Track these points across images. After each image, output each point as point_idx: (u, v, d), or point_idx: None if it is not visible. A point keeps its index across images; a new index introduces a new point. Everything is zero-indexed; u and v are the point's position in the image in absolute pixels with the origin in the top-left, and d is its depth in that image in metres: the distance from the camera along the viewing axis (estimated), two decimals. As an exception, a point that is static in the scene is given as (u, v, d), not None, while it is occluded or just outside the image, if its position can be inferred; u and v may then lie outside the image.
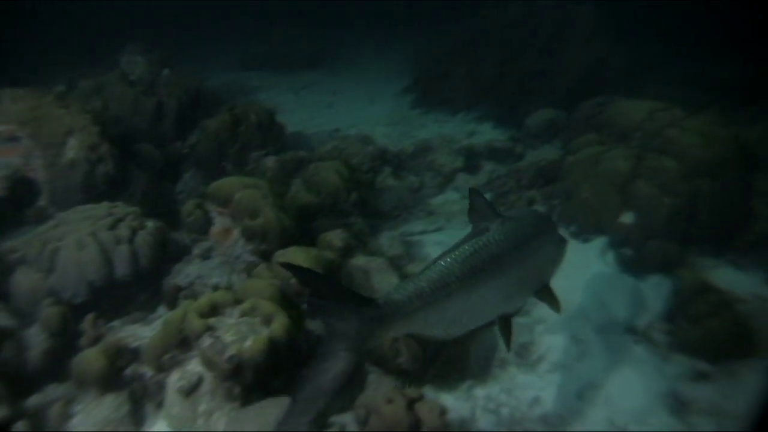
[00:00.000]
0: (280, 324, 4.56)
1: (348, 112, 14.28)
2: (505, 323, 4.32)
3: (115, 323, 5.90)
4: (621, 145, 8.47)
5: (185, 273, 6.20)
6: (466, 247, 3.74)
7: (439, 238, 8.24)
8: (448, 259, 3.64)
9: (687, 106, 12.55)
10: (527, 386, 5.79)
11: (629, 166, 7.71)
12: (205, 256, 6.36)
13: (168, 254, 6.38)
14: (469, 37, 14.06)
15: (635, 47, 16.47)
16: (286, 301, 5.11)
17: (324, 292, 3.17)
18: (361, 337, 3.16)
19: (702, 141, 7.51)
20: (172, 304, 5.99)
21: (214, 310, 4.79)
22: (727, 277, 7.21)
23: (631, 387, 5.76)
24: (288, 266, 3.22)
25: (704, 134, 7.59)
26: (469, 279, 3.67)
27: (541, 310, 6.51)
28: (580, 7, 13.26)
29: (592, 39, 13.01)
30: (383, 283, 5.70)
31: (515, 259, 4.07)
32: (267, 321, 4.65)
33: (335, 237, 6.21)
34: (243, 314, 4.76)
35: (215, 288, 5.93)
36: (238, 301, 4.91)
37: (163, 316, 5.92)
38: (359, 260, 6.00)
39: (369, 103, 15.07)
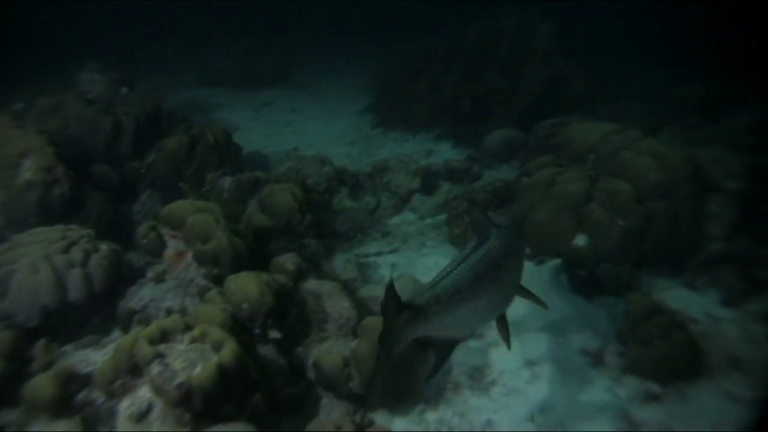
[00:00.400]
0: (229, 350, 4.59)
1: (308, 131, 14.30)
2: (503, 323, 4.77)
3: (69, 347, 5.85)
4: (576, 167, 8.58)
5: (139, 296, 6.20)
6: (473, 256, 4.20)
7: (395, 260, 8.29)
8: (459, 268, 4.06)
9: (647, 122, 12.83)
10: (480, 409, 5.84)
11: (583, 189, 7.82)
12: (159, 279, 6.36)
13: (122, 277, 6.37)
14: (430, 56, 14.16)
15: (597, 65, 16.73)
16: (237, 326, 5.15)
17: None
18: (388, 339, 3.51)
19: (655, 163, 7.67)
20: (126, 328, 5.98)
21: (164, 337, 4.80)
22: (681, 298, 7.38)
23: (584, 409, 5.84)
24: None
25: (657, 156, 7.75)
26: (477, 285, 4.13)
27: (495, 333, 6.59)
28: (540, 26, 13.40)
29: (552, 57, 13.14)
30: (335, 307, 5.75)
31: (510, 264, 4.61)
32: (217, 347, 4.68)
33: (288, 260, 6.24)
34: (193, 340, 4.78)
35: (169, 311, 5.94)
36: (188, 327, 4.93)
37: (116, 339, 5.89)
38: (311, 284, 6.05)
39: (329, 121, 15.10)
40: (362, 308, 6.15)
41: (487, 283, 4.30)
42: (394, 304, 3.49)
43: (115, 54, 15.42)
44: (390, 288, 3.39)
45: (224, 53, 19.33)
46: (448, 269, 4.09)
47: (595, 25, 20.33)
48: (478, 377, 6.14)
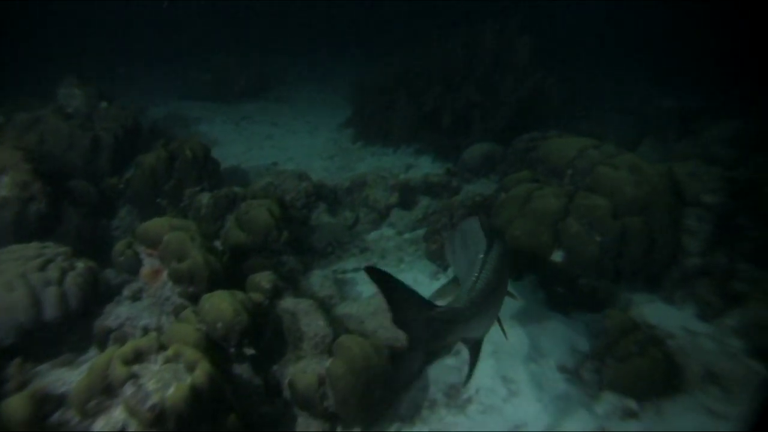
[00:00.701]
0: (202, 371, 4.60)
1: (288, 144, 14.29)
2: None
3: (44, 366, 5.82)
4: (553, 182, 8.65)
5: (116, 314, 6.19)
6: (490, 261, 4.66)
7: (373, 276, 8.22)
8: (484, 274, 4.50)
9: (628, 133, 12.96)
10: (456, 427, 5.85)
11: (560, 204, 7.84)
12: (136, 297, 6.36)
13: (99, 295, 6.36)
14: (410, 68, 14.20)
15: (577, 76, 16.86)
16: (211, 346, 5.17)
17: (399, 298, 3.73)
18: (430, 338, 3.87)
19: (632, 178, 7.72)
20: (103, 346, 5.98)
21: (138, 357, 4.81)
22: (659, 312, 7.46)
23: (561, 427, 5.85)
24: (369, 270, 3.68)
25: (634, 171, 7.80)
26: (498, 288, 4.67)
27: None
28: (520, 38, 13.48)
29: (532, 70, 13.21)
30: (310, 325, 5.76)
31: (507, 268, 5.02)
32: (191, 368, 4.69)
33: (263, 279, 6.25)
34: (167, 361, 4.79)
35: (145, 330, 5.95)
36: (162, 347, 4.93)
37: (93, 358, 5.87)
38: (287, 302, 6.06)
39: (309, 135, 15.09)
40: (338, 326, 6.15)
41: (502, 286, 4.83)
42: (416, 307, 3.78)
43: (94, 67, 15.44)
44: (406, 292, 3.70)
45: (205, 66, 19.24)
46: (475, 273, 4.50)
47: (576, 36, 20.51)
48: (454, 395, 6.14)
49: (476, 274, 4.53)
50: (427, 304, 3.85)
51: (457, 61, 13.48)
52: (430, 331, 3.85)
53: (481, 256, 4.76)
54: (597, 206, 7.63)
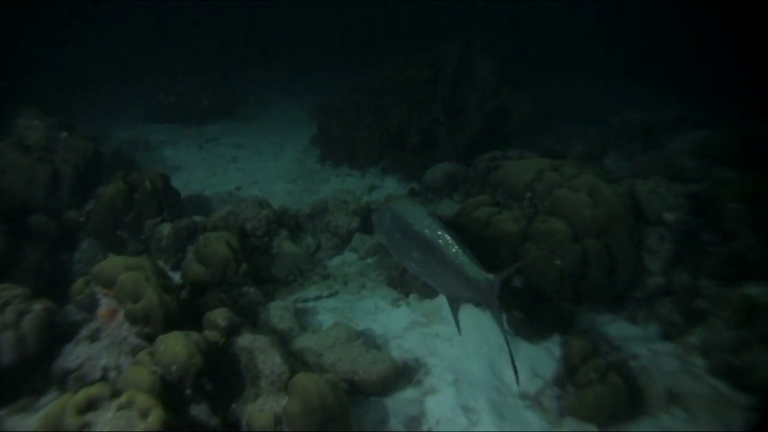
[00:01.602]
0: (155, 418, 4.60)
1: (252, 167, 14.27)
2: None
3: (2, 413, 5.82)
4: (514, 206, 8.69)
5: (75, 355, 6.16)
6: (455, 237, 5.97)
7: (334, 304, 8.27)
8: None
9: (592, 146, 13.06)
10: (418, 460, 5.87)
11: (519, 229, 7.92)
12: (94, 337, 6.32)
13: (57, 336, 6.34)
14: (375, 88, 14.27)
15: (543, 90, 17.02)
16: (166, 389, 5.17)
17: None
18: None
19: (590, 200, 7.78)
20: (63, 387, 5.96)
21: (91, 405, 4.81)
22: (623, 332, 7.54)
23: (521, 454, 5.89)
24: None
25: (593, 193, 7.85)
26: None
27: (433, 379, 6.69)
28: (483, 55, 13.57)
29: (496, 86, 13.28)
30: (267, 363, 5.76)
31: None
32: (144, 414, 4.69)
33: (219, 316, 6.21)
34: (120, 408, 4.79)
35: (104, 370, 5.95)
36: (116, 394, 4.94)
37: (52, 401, 5.85)
38: (245, 339, 6.03)
39: (274, 156, 15.10)
40: (296, 361, 6.15)
41: None
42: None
43: (56, 95, 15.36)
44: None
45: (170, 88, 19.22)
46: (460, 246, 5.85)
47: (541, 50, 20.71)
48: (414, 425, 6.14)
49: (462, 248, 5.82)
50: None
51: (422, 80, 13.55)
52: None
53: (441, 232, 6.01)
54: (556, 230, 7.68)
